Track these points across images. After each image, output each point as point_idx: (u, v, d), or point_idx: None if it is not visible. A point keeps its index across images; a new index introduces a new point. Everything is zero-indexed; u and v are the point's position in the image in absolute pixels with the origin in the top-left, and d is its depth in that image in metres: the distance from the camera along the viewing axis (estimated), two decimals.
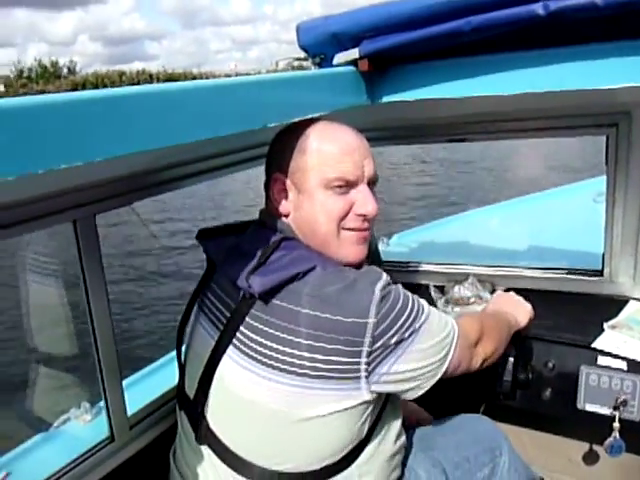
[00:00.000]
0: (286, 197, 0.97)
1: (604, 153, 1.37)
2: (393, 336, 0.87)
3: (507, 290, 1.66)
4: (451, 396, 1.51)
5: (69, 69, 50.16)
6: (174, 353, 1.45)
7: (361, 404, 0.90)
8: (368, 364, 0.86)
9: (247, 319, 0.90)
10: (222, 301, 0.99)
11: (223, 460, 0.94)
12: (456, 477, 1.17)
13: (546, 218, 2.66)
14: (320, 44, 1.09)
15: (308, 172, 0.94)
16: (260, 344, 0.88)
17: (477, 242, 2.25)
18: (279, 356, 0.86)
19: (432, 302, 1.61)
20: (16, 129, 0.50)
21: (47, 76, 45.05)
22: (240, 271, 0.89)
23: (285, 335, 0.86)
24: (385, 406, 1.00)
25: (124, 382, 1.18)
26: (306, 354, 0.85)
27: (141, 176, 1.02)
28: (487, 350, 1.07)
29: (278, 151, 0.99)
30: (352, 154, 0.94)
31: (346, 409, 0.88)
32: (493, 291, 1.66)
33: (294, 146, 0.96)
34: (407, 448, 1.14)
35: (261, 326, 0.89)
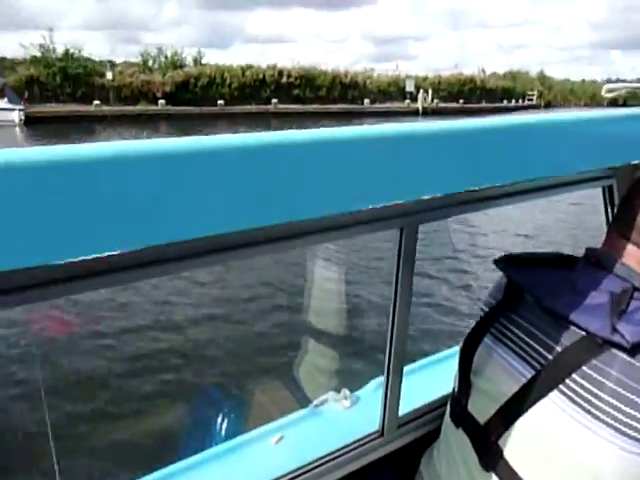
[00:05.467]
0: None
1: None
2: None
3: None
4: None
5: (195, 60, 43.82)
6: (453, 352, 1.45)
7: None
8: None
9: (584, 367, 0.86)
10: (532, 335, 0.97)
11: None
12: None
13: None
14: None
15: None
16: (599, 398, 0.84)
17: None
18: (621, 417, 0.82)
19: None
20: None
21: (164, 66, 42.98)
22: (577, 312, 0.88)
23: (634, 397, 0.82)
24: None
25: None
26: None
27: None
28: None
29: None
30: None
31: None
32: None
33: None
34: None
35: (603, 379, 0.85)
